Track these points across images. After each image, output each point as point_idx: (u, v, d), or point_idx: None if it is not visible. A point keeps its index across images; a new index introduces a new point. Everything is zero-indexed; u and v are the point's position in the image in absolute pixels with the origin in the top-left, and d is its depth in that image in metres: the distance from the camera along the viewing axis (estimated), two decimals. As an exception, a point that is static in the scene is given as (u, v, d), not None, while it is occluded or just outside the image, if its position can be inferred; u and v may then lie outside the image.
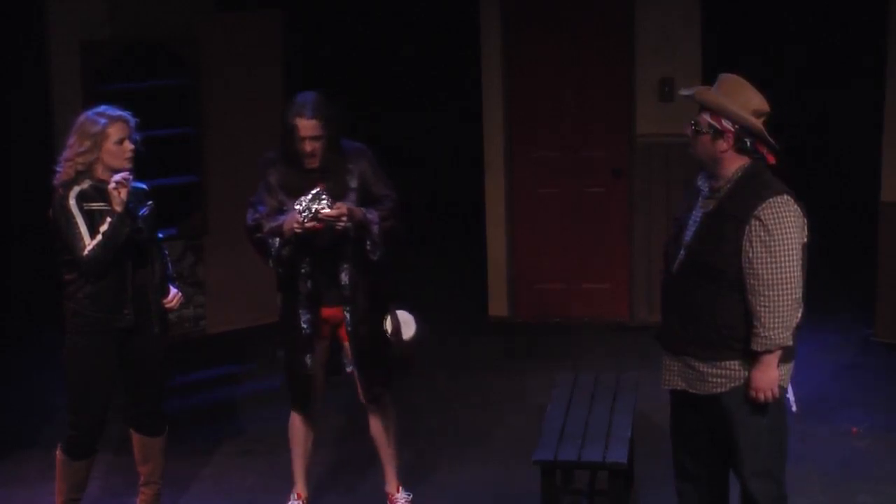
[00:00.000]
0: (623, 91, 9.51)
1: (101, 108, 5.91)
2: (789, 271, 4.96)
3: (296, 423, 6.37)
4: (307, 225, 5.87)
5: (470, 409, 8.11)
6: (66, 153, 5.86)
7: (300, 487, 6.48)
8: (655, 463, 6.68)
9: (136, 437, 6.25)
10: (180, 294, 6.25)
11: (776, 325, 4.97)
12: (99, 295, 5.85)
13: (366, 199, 6.11)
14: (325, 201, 5.87)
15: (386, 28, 11.71)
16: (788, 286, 4.97)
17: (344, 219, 5.92)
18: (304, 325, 6.15)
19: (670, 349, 5.23)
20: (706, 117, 5.10)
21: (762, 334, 4.99)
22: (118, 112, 5.90)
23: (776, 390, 5.06)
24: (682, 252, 5.15)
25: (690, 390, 5.18)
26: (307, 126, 6.00)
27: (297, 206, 5.89)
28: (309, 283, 6.12)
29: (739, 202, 5.02)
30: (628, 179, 9.59)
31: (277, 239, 6.02)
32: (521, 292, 9.93)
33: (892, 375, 8.44)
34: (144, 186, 6.09)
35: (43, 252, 9.13)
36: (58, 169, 5.88)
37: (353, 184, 6.11)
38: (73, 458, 6.07)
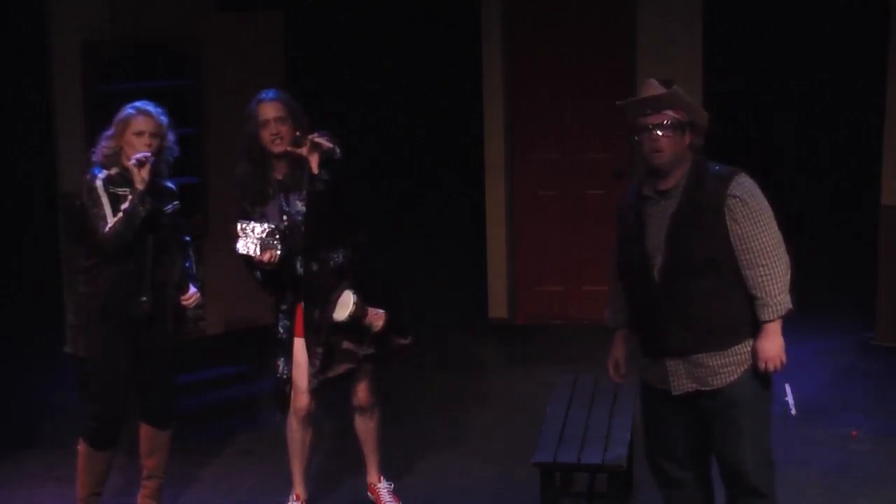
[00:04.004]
0: (624, 92, 9.46)
1: (140, 102, 6.07)
2: (776, 235, 5.07)
3: (293, 425, 6.39)
4: (266, 259, 5.98)
5: (469, 410, 8.11)
6: (101, 137, 6.06)
7: (299, 489, 6.50)
8: (655, 465, 6.68)
9: (144, 429, 6.34)
10: (199, 294, 6.36)
11: (781, 290, 5.05)
12: (119, 280, 5.97)
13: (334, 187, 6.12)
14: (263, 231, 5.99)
15: (387, 29, 11.71)
16: (779, 249, 5.07)
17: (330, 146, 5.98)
18: (282, 331, 6.27)
19: (676, 354, 5.17)
20: (674, 114, 5.08)
21: (770, 302, 5.05)
22: (151, 107, 6.03)
23: (784, 357, 5.09)
24: (660, 258, 5.12)
25: (703, 388, 5.16)
26: (269, 107, 6.08)
27: (251, 247, 5.99)
28: (290, 296, 6.23)
29: (708, 190, 5.07)
30: (629, 181, 9.58)
31: (257, 272, 6.14)
32: (522, 294, 9.93)
33: (892, 379, 8.44)
34: (172, 186, 6.21)
35: (43, 252, 9.18)
36: (93, 151, 6.07)
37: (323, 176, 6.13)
38: (97, 448, 6.17)
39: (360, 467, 6.71)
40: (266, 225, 6.00)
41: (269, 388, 6.56)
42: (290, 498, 6.52)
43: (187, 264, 6.31)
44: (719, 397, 5.15)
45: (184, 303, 6.26)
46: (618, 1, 9.50)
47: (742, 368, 5.12)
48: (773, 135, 12.22)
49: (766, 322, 5.07)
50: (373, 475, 6.64)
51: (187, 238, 6.37)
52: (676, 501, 5.45)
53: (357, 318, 6.13)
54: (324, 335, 6.18)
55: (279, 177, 6.16)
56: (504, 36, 9.62)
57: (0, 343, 9.20)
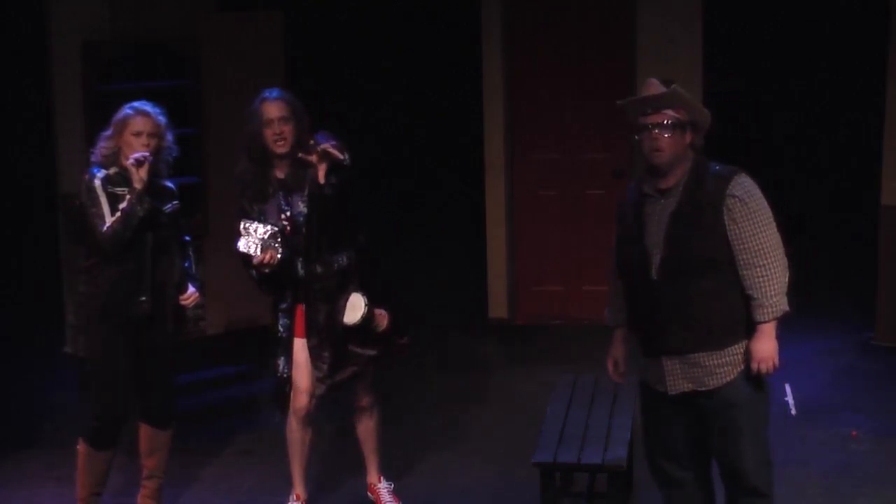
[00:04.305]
0: (624, 92, 9.44)
1: (139, 102, 6.09)
2: (775, 237, 5.06)
3: (292, 425, 6.39)
4: (266, 260, 5.97)
5: (469, 410, 8.11)
6: (100, 137, 6.10)
7: (299, 489, 6.50)
8: (655, 465, 6.68)
9: (144, 429, 6.35)
10: (198, 294, 6.37)
11: (777, 291, 5.04)
12: (119, 280, 6.00)
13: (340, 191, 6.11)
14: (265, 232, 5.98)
15: (387, 29, 11.72)
16: (778, 251, 5.06)
17: (341, 156, 5.94)
18: (281, 330, 6.26)
19: (675, 353, 5.17)
20: (674, 113, 5.07)
21: (767, 303, 5.04)
22: (149, 107, 6.06)
23: (777, 360, 5.08)
24: (658, 257, 5.12)
25: (700, 388, 5.16)
26: (273, 107, 6.07)
27: (252, 247, 5.98)
28: (289, 299, 6.22)
29: (708, 189, 5.08)
30: (629, 181, 9.56)
31: (254, 271, 6.12)
32: (521, 294, 9.93)
33: (892, 378, 8.44)
34: (172, 186, 6.23)
35: (43, 252, 9.18)
36: (92, 151, 6.09)
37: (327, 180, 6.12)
38: (97, 448, 6.19)
39: (360, 467, 6.71)
40: (269, 227, 6.00)
41: (269, 388, 6.56)
42: (290, 498, 6.52)
43: (186, 264, 6.32)
44: (717, 397, 5.15)
45: (183, 303, 6.27)
46: (618, 1, 9.50)
47: (738, 369, 5.12)
48: (773, 135, 12.22)
49: (760, 323, 5.07)
50: (373, 475, 6.65)
51: (187, 238, 6.38)
52: (676, 501, 5.45)
53: (367, 319, 6.14)
54: (331, 338, 6.18)
55: (280, 176, 6.15)
56: (504, 36, 9.62)
57: (0, 343, 9.20)
